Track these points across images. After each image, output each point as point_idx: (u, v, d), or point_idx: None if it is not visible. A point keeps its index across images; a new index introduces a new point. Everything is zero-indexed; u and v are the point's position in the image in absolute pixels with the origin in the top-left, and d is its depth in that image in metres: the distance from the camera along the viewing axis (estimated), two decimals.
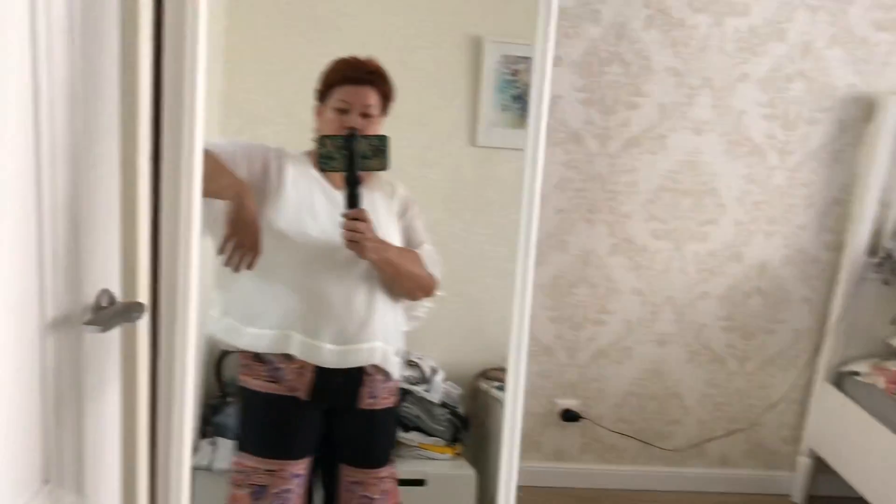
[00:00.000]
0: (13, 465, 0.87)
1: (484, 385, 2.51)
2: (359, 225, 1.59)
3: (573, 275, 2.76)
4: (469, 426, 2.43)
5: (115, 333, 1.14)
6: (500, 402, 2.34)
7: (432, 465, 2.27)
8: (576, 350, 2.83)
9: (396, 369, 1.77)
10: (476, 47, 2.44)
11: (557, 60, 2.54)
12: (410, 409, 2.34)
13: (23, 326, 0.89)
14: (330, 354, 1.64)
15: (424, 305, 1.82)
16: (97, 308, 1.05)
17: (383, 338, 1.70)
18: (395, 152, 1.64)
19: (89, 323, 1.00)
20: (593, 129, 2.64)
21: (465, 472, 2.27)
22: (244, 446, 1.70)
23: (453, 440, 2.37)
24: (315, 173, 1.69)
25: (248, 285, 1.64)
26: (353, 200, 1.61)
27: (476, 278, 2.49)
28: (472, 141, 2.50)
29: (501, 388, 2.33)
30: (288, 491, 1.65)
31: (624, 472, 2.95)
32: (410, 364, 2.43)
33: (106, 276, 1.09)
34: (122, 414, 1.20)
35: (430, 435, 2.34)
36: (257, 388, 1.69)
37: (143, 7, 1.15)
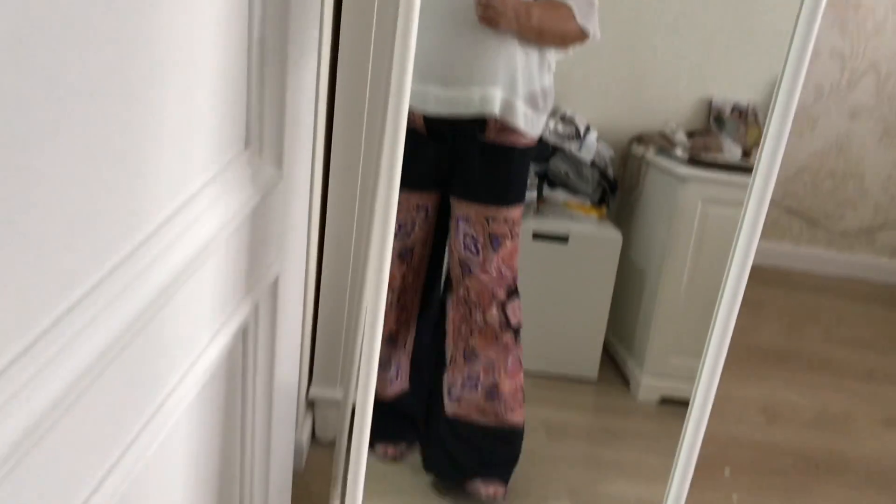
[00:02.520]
0: (220, 123, 0.85)
1: (638, 149, 2.34)
2: (492, 1, 1.44)
3: None
4: (617, 190, 2.30)
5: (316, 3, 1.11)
6: (653, 167, 2.18)
7: (576, 224, 2.19)
8: None
9: (525, 122, 1.53)
10: None
11: None
12: (559, 165, 2.22)
13: None
14: (436, 101, 1.49)
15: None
16: None
17: (506, 84, 1.50)
18: None
19: None
20: None
21: (611, 234, 2.17)
22: None
23: (600, 202, 2.26)
24: None
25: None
26: None
27: (639, 34, 2.22)
28: None
29: (658, 153, 2.17)
30: (413, 223, 1.60)
31: (784, 249, 2.77)
32: (564, 119, 2.27)
33: None
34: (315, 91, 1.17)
35: (577, 193, 2.23)
36: None
37: None
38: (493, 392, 1.59)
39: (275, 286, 1.05)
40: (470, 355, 1.61)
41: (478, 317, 1.59)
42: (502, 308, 1.58)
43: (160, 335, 0.73)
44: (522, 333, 2.01)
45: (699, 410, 1.05)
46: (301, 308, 1.19)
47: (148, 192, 0.70)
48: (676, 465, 1.10)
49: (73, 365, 0.57)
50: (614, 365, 2.17)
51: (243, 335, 1.01)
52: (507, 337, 1.59)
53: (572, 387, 2.09)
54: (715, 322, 1.03)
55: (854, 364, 2.35)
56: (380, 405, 1.72)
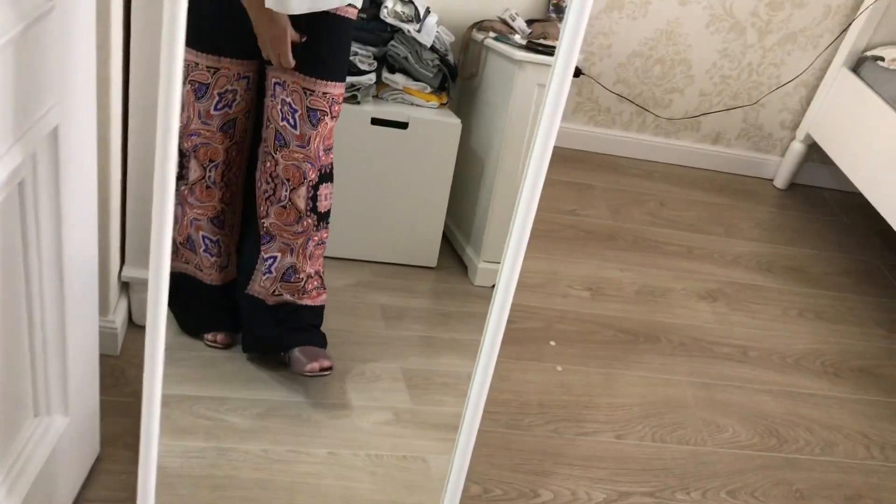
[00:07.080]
0: None
1: (478, 36, 2.30)
2: None
3: None
4: (457, 77, 2.27)
5: None
6: (492, 52, 2.16)
7: (416, 110, 2.15)
8: None
9: None
10: None
11: None
12: (398, 48, 2.15)
13: None
14: None
15: None
16: None
17: None
18: None
19: None
20: None
21: (451, 121, 2.15)
22: (188, 41, 1.51)
23: (440, 89, 2.23)
24: None
25: None
26: None
27: None
28: None
29: (497, 39, 2.13)
30: (234, 92, 1.50)
31: (614, 136, 2.87)
32: (403, 0, 2.18)
33: None
34: None
35: (417, 80, 2.18)
36: None
37: None
38: (288, 275, 1.55)
39: (54, 136, 0.94)
40: (266, 235, 1.55)
41: (282, 194, 1.51)
42: (313, 190, 1.52)
43: None
44: (362, 221, 1.97)
45: (504, 286, 1.07)
46: (94, 169, 1.08)
47: None
48: (484, 338, 1.12)
49: None
50: (453, 252, 2.20)
51: (20, 188, 0.90)
52: (310, 220, 1.53)
53: (411, 274, 2.10)
54: (519, 202, 1.02)
55: (675, 243, 2.51)
56: (210, 292, 1.65)
